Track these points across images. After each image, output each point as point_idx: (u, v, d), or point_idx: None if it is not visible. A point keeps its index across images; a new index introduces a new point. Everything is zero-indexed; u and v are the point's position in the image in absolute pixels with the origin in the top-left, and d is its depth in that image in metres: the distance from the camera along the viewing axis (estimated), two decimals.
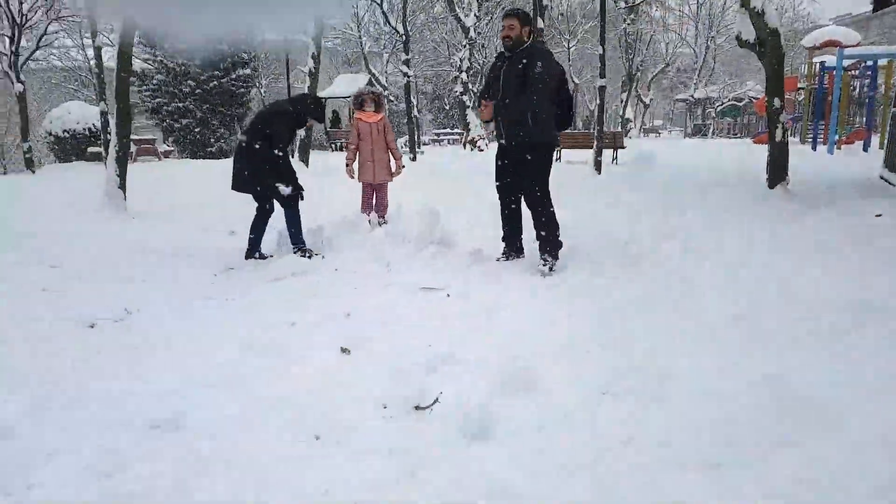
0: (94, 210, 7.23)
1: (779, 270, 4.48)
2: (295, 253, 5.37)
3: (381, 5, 18.13)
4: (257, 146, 5.20)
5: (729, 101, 36.68)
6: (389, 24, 18.97)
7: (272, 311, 3.94)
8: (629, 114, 39.26)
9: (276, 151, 5.23)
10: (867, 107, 17.84)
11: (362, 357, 3.13)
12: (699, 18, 38.26)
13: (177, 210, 7.77)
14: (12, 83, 14.52)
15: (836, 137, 15.95)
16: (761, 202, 7.21)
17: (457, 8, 21.80)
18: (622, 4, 14.56)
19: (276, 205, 5.51)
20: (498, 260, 5.12)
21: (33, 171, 14.65)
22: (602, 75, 11.82)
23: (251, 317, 3.83)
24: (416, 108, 31.96)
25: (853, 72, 18.41)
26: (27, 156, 14.94)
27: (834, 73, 16.41)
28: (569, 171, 12.93)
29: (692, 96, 38.89)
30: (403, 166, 6.81)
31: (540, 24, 14.09)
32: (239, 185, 5.37)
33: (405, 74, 17.76)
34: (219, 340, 3.39)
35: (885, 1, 7.80)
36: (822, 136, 17.49)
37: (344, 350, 3.20)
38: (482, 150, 22.02)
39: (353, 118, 6.94)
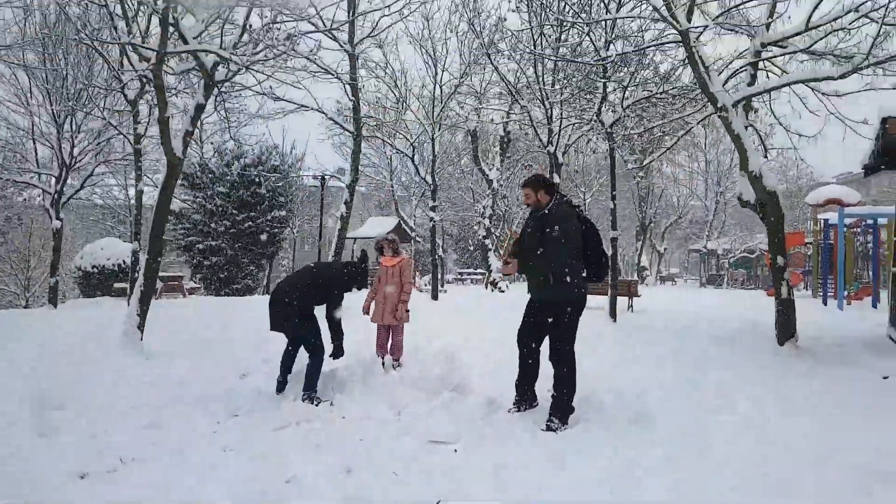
0: (109, 349, 7.30)
1: (788, 431, 4.42)
2: (304, 400, 5.34)
3: (412, 159, 19.36)
4: (308, 302, 5.58)
5: (741, 252, 37.34)
6: (419, 174, 20.12)
7: (271, 464, 3.86)
8: (644, 262, 39.95)
9: (335, 315, 5.63)
10: (873, 263, 18.05)
11: None
12: (708, 175, 40.01)
13: (192, 350, 7.81)
14: (51, 219, 15.14)
15: (845, 293, 15.99)
16: (772, 358, 7.21)
17: (482, 162, 23.30)
18: (630, 164, 15.44)
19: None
20: (509, 411, 5.01)
21: (55, 306, 14.89)
22: (613, 227, 12.22)
23: (248, 470, 3.74)
24: (441, 249, 32.96)
25: (856, 229, 18.83)
26: (50, 291, 15.29)
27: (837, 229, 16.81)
28: (586, 316, 12.63)
29: (705, 247, 39.70)
30: (407, 311, 6.74)
31: (556, 178, 14.87)
32: (278, 326, 5.66)
33: (431, 219, 18.57)
34: (209, 497, 3.30)
35: (874, 168, 8.34)
36: (831, 290, 17.55)
37: None
38: (503, 292, 22.31)
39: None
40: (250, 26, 6.87)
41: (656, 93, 11.50)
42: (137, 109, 10.35)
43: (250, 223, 21.96)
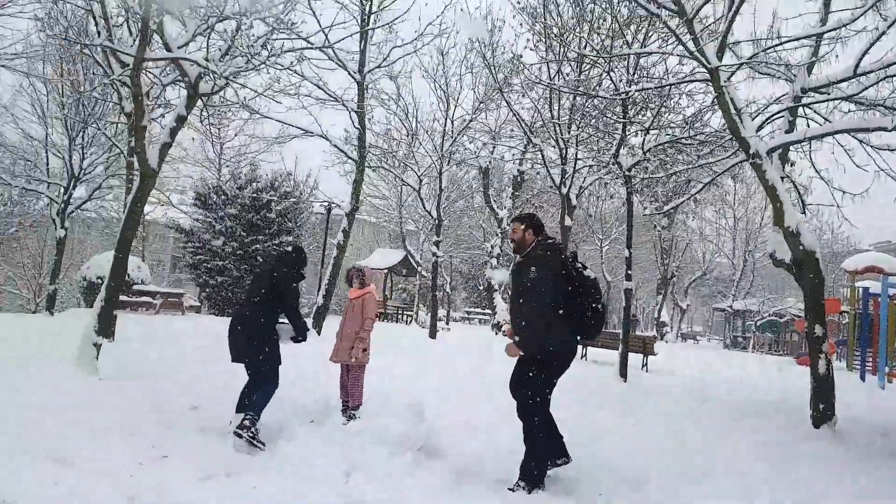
0: (61, 366, 6.65)
1: None
2: (242, 425, 4.73)
3: (418, 192, 18.94)
4: (264, 308, 5.16)
5: (769, 315, 35.79)
6: (425, 208, 19.65)
7: None
8: (664, 317, 38.54)
9: (293, 308, 5.28)
10: None
11: None
12: (736, 232, 38.76)
13: (155, 372, 7.17)
14: (55, 228, 14.93)
15: (887, 369, 14.74)
16: (805, 443, 6.21)
17: (492, 201, 22.89)
18: (650, 211, 14.69)
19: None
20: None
21: (52, 314, 14.54)
22: (628, 278, 11.39)
23: None
24: (448, 285, 32.10)
25: None
26: (48, 298, 15.03)
27: (878, 299, 15.66)
28: (592, 373, 12.01)
29: (730, 307, 38.14)
30: (365, 350, 5.91)
31: (568, 222, 14.15)
32: (239, 354, 5.18)
33: (434, 254, 18.01)
34: None
35: None
36: (870, 364, 16.30)
37: None
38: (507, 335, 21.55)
39: None
40: (233, 36, 6.36)
41: (682, 137, 10.78)
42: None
43: (258, 246, 21.78)
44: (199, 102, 7.39)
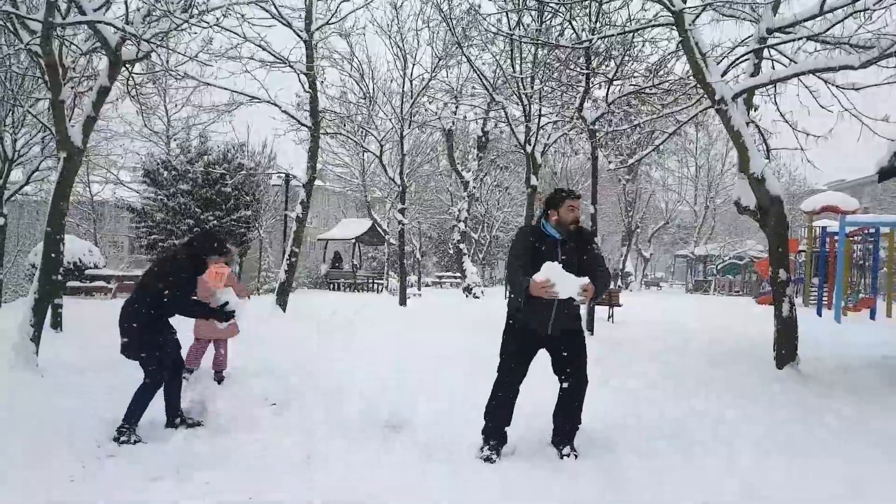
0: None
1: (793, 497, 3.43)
2: (116, 439, 4.35)
3: (380, 158, 18.34)
4: (145, 301, 4.50)
5: (729, 259, 36.65)
6: (388, 175, 19.15)
7: None
8: (629, 267, 39.22)
9: (179, 299, 4.54)
10: (872, 273, 17.29)
11: None
12: (698, 180, 39.28)
13: (99, 366, 6.75)
14: None
15: (843, 304, 15.12)
16: (771, 385, 6.28)
17: (457, 164, 22.47)
18: (615, 165, 14.51)
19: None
20: (488, 459, 4.10)
21: None
22: (594, 233, 11.32)
23: None
24: (419, 251, 31.84)
25: (856, 237, 18.10)
26: None
27: (835, 237, 16.01)
28: None
29: (692, 253, 38.97)
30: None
31: (534, 181, 13.91)
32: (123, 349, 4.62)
33: (399, 222, 17.66)
34: None
35: (890, 172, 7.38)
36: (825, 300, 16.77)
37: None
38: (477, 298, 21.84)
39: None
40: None
41: (646, 87, 10.51)
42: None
43: (215, 222, 21.01)
44: (125, 71, 6.83)
